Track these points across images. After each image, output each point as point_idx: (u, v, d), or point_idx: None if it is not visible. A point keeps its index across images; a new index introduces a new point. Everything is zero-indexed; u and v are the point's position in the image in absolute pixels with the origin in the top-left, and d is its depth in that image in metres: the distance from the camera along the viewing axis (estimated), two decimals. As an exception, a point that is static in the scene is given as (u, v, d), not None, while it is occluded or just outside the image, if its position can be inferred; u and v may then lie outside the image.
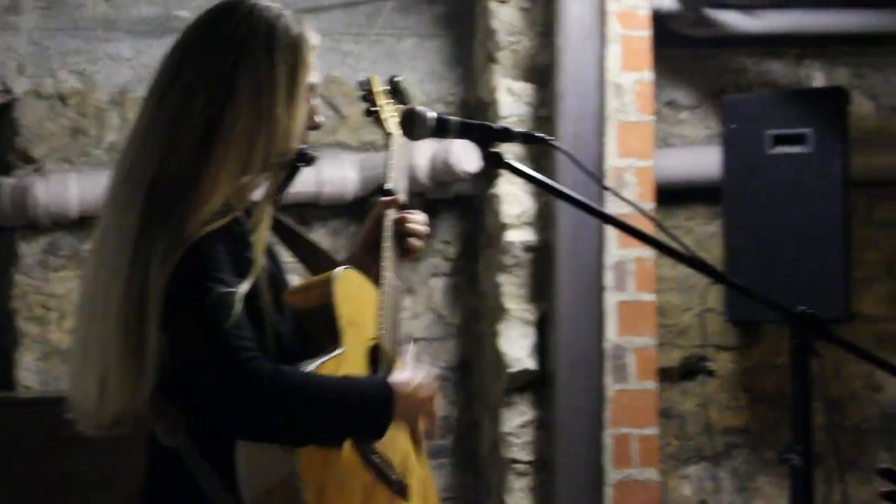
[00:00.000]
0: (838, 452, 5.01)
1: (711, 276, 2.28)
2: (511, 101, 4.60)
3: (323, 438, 2.22)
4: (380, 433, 2.26)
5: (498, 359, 4.61)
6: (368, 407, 2.21)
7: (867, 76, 5.15)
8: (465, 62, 4.90)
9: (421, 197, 4.82)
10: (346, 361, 2.32)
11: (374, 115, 2.75)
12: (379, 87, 2.77)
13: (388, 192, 2.61)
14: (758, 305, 2.22)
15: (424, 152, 4.62)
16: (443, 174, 4.62)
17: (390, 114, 2.73)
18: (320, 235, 4.77)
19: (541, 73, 4.63)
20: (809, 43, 5.07)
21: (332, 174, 4.66)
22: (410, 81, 4.86)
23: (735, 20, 4.83)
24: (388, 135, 2.72)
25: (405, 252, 2.59)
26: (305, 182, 4.62)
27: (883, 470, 1.99)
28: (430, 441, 2.48)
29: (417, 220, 2.62)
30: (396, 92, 2.78)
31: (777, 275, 4.50)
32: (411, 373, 2.36)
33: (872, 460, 4.98)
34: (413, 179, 4.61)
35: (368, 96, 2.76)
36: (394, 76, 2.80)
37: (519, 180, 4.42)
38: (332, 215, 4.80)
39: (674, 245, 2.26)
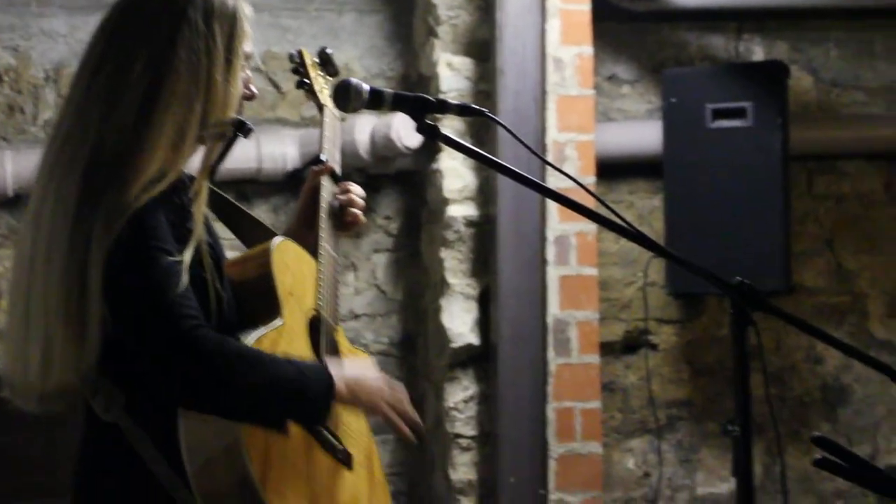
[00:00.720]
0: (780, 424, 5.06)
1: (651, 248, 2.29)
2: (451, 75, 4.59)
3: (262, 414, 2.19)
4: (318, 421, 2.25)
5: (441, 334, 4.61)
6: (310, 392, 2.19)
7: (806, 50, 5.17)
8: (406, 37, 4.88)
9: (362, 173, 4.81)
10: (286, 332, 2.32)
11: (306, 88, 2.77)
12: (310, 59, 2.79)
13: (322, 164, 2.62)
14: (699, 279, 2.23)
15: (365, 128, 4.61)
16: (384, 150, 4.61)
17: (322, 86, 2.76)
18: (261, 212, 4.75)
19: (481, 47, 4.62)
20: (749, 17, 5.07)
21: (272, 150, 4.64)
22: (351, 57, 4.86)
23: (675, -6, 4.83)
24: (320, 107, 2.74)
25: (343, 224, 2.60)
26: (245, 158, 4.63)
27: (817, 438, 2.00)
28: (418, 438, 2.41)
29: (353, 191, 2.62)
30: (327, 64, 2.80)
31: (718, 248, 4.52)
32: (359, 362, 2.35)
33: (814, 431, 5.02)
34: (354, 155, 4.62)
35: (300, 69, 2.77)
36: (324, 48, 2.82)
37: (461, 155, 4.41)
38: (272, 191, 4.78)
39: (614, 219, 2.26)
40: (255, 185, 4.75)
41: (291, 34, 4.79)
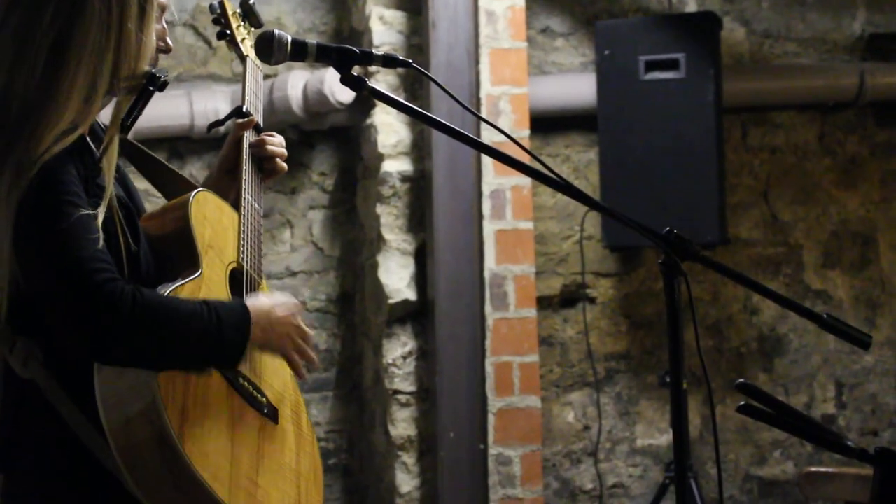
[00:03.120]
0: (718, 376, 5.09)
1: (584, 201, 2.27)
2: (383, 29, 4.56)
3: (182, 362, 2.18)
4: (238, 354, 2.22)
5: (378, 290, 4.60)
6: (225, 328, 2.17)
7: (738, 2, 5.17)
8: (338, -9, 4.86)
9: (296, 129, 4.77)
10: (205, 284, 2.29)
11: (227, 38, 2.74)
12: (231, 10, 2.75)
13: (245, 115, 2.59)
14: (636, 232, 2.22)
15: (298, 83, 4.58)
16: (317, 105, 4.58)
17: (244, 36, 2.73)
18: (195, 169, 4.72)
19: (413, 0, 4.58)
20: (681, -32, 5.09)
21: (205, 106, 4.61)
22: (283, 11, 4.81)
23: (608, -55, 4.83)
24: (242, 57, 2.71)
25: (265, 174, 2.59)
26: (178, 115, 4.59)
27: (740, 384, 2.01)
28: (311, 371, 2.44)
29: (275, 141, 2.60)
30: (249, 15, 2.76)
31: (653, 201, 4.53)
32: (270, 296, 2.33)
33: (752, 382, 5.05)
34: (287, 111, 4.59)
35: (222, 20, 2.74)
36: None
37: (395, 110, 4.38)
38: (205, 148, 4.74)
39: (547, 172, 2.24)
40: (188, 142, 4.72)
41: (222, -11, 4.73)
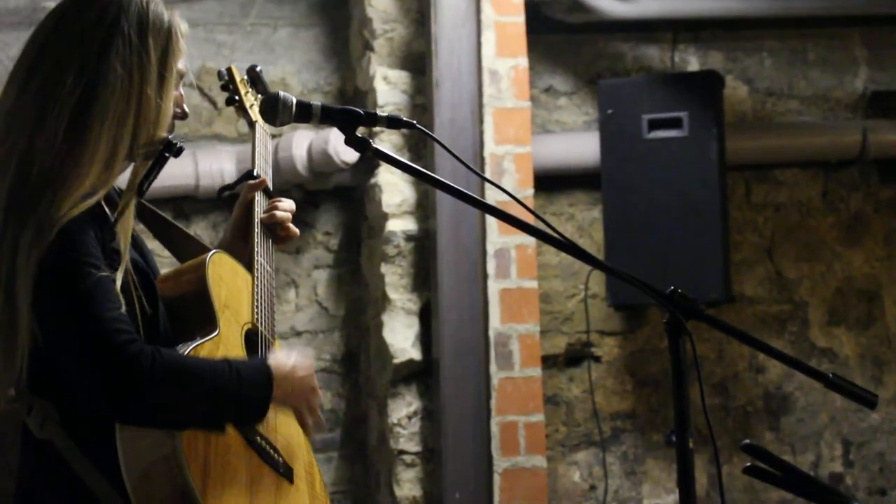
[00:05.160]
0: (725, 434, 5.07)
1: (587, 261, 2.30)
2: (388, 89, 4.60)
3: (203, 421, 2.20)
4: (260, 413, 2.25)
5: (383, 350, 4.60)
6: (246, 387, 2.20)
7: (741, 60, 5.22)
8: (342, 51, 4.89)
9: (301, 188, 4.79)
10: (223, 343, 2.31)
11: (236, 104, 2.79)
12: (239, 76, 2.81)
13: (255, 178, 2.64)
14: (639, 290, 2.23)
15: (302, 143, 4.61)
16: (322, 165, 4.60)
17: (252, 102, 2.77)
18: (200, 228, 4.74)
19: (417, 60, 4.63)
20: (683, 27, 5.12)
21: (210, 166, 4.63)
22: (287, 71, 4.86)
23: (609, 5, 4.85)
24: (251, 123, 2.76)
25: (277, 239, 2.62)
26: (183, 174, 4.61)
27: (746, 445, 2.01)
28: (319, 433, 2.46)
29: (285, 207, 2.63)
30: (256, 81, 2.81)
31: (658, 259, 4.54)
32: (289, 354, 2.35)
33: (758, 441, 5.03)
34: (292, 171, 4.62)
35: (230, 86, 2.79)
36: (253, 66, 2.83)
37: (399, 170, 4.40)
38: (211, 208, 4.77)
39: (550, 232, 2.25)
40: (193, 201, 4.74)
41: (227, 49, 4.78)
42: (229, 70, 2.79)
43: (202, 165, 4.62)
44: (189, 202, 4.74)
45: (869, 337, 5.24)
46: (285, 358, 2.33)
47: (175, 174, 4.58)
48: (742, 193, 5.18)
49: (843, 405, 5.16)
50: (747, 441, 2.01)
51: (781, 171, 5.20)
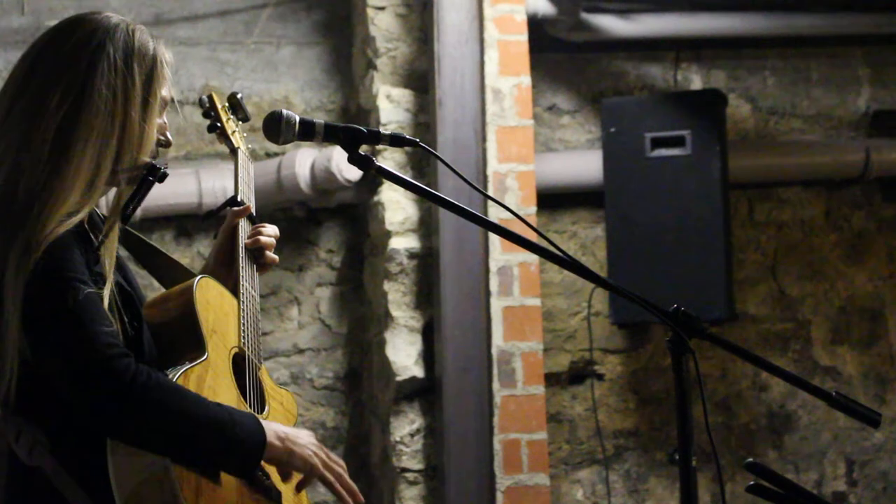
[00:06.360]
0: (728, 452, 5.07)
1: (590, 279, 2.30)
2: (391, 107, 4.60)
3: (190, 449, 2.17)
4: (249, 469, 2.23)
5: (386, 367, 4.60)
6: (239, 426, 2.18)
7: (743, 79, 5.23)
8: (345, 69, 4.91)
9: (304, 206, 4.80)
10: (211, 368, 2.31)
11: (217, 131, 2.80)
12: (220, 103, 2.82)
13: (239, 204, 2.65)
14: (642, 308, 2.23)
15: (305, 161, 4.62)
16: (325, 182, 4.61)
17: (233, 129, 2.79)
18: (203, 246, 4.75)
19: (420, 79, 4.64)
20: (686, 46, 5.14)
21: (213, 184, 4.65)
22: (290, 90, 4.87)
23: (612, 24, 4.87)
24: (233, 150, 2.77)
25: (260, 265, 2.62)
26: (186, 193, 4.63)
27: (750, 464, 2.01)
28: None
29: (268, 233, 2.64)
30: (236, 108, 2.82)
31: (661, 277, 4.55)
32: (291, 430, 2.31)
33: (761, 459, 5.03)
34: (295, 189, 4.63)
35: (211, 112, 2.80)
36: (234, 93, 2.84)
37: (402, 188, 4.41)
38: (213, 226, 4.74)
39: (553, 249, 2.26)
40: (196, 219, 4.75)
41: (230, 68, 4.80)
42: (210, 97, 2.80)
43: (205, 184, 4.64)
44: (192, 220, 4.75)
45: (872, 355, 5.24)
46: (286, 432, 2.28)
47: (178, 192, 4.60)
48: (745, 212, 5.19)
49: (846, 424, 5.16)
50: (750, 459, 2.02)
51: (784, 189, 5.22)
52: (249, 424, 2.21)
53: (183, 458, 2.17)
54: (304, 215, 4.83)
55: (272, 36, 4.84)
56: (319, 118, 2.36)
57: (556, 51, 4.94)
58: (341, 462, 2.34)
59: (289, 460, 2.26)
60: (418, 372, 4.57)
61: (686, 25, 4.97)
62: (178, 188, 4.59)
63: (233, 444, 2.18)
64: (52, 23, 4.60)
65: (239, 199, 2.66)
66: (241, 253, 2.58)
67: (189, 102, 4.70)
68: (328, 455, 2.30)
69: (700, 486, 4.93)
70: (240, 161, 2.73)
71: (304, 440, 2.28)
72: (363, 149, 2.31)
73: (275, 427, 2.26)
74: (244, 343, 2.43)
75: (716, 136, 4.62)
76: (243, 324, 2.46)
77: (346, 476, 2.33)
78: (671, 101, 4.75)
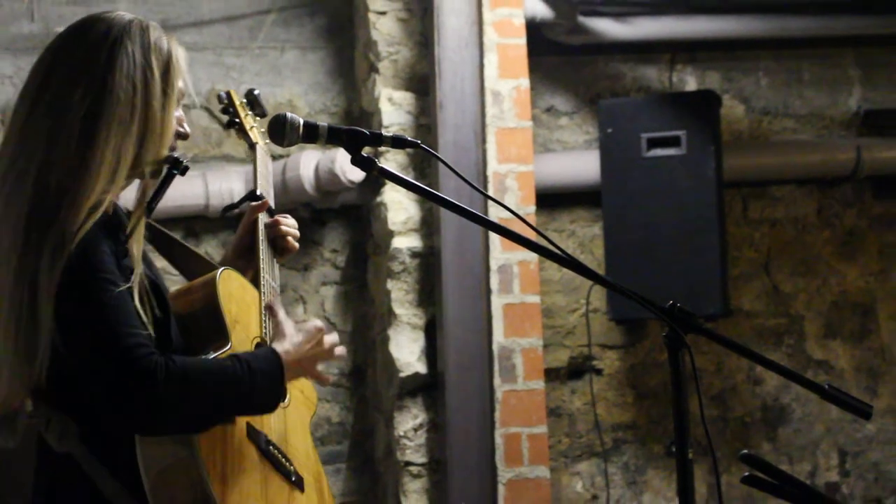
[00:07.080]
0: (723, 445, 5.08)
1: (588, 276, 2.32)
2: (392, 110, 4.62)
3: (217, 417, 2.25)
4: (272, 401, 2.31)
5: (389, 364, 4.62)
6: (258, 379, 2.26)
7: (737, 80, 5.24)
8: (348, 73, 4.92)
9: (308, 207, 4.82)
10: None
11: (236, 127, 2.83)
12: (238, 100, 2.85)
13: (258, 198, 2.68)
14: (639, 305, 2.26)
15: (310, 163, 4.62)
16: (328, 184, 4.63)
17: (251, 125, 2.82)
18: (210, 247, 4.75)
19: (421, 82, 4.66)
20: (681, 48, 5.14)
21: (220, 186, 4.66)
22: (294, 93, 4.88)
23: (608, 27, 4.88)
24: (252, 145, 2.80)
25: (280, 252, 2.67)
26: (193, 194, 4.63)
27: (744, 455, 2.05)
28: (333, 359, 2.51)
29: (288, 222, 2.69)
30: (254, 104, 2.85)
31: (657, 274, 4.56)
32: (297, 333, 2.41)
33: (756, 451, 5.03)
34: (299, 190, 4.62)
35: (230, 109, 2.84)
36: (251, 90, 2.88)
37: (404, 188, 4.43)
38: (220, 227, 4.78)
39: (552, 248, 2.29)
40: (203, 220, 4.77)
41: (235, 72, 4.81)
42: (229, 94, 2.83)
43: (212, 186, 4.65)
44: (199, 221, 4.77)
45: (863, 349, 5.25)
46: (292, 334, 2.39)
47: (186, 194, 4.60)
48: (739, 210, 5.20)
49: (838, 416, 5.16)
50: (745, 451, 2.04)
51: (777, 187, 5.22)
52: (266, 369, 2.29)
53: (209, 426, 2.24)
54: (308, 216, 4.83)
55: (276, 41, 4.86)
56: (323, 121, 2.38)
57: (553, 54, 4.95)
58: (320, 328, 2.45)
59: (305, 370, 2.41)
60: (421, 368, 4.59)
61: (681, 28, 4.98)
62: (185, 190, 4.58)
63: (254, 395, 2.27)
64: (62, 29, 4.66)
65: (258, 194, 2.68)
66: (262, 245, 2.60)
67: (196, 107, 4.74)
68: (317, 341, 2.42)
69: (696, 477, 4.88)
70: (259, 156, 2.75)
71: (309, 356, 2.39)
72: (366, 151, 2.34)
73: (288, 355, 2.33)
74: (266, 334, 2.46)
75: (710, 136, 4.65)
76: (265, 314, 2.49)
77: (329, 339, 2.46)
78: (667, 102, 4.77)
